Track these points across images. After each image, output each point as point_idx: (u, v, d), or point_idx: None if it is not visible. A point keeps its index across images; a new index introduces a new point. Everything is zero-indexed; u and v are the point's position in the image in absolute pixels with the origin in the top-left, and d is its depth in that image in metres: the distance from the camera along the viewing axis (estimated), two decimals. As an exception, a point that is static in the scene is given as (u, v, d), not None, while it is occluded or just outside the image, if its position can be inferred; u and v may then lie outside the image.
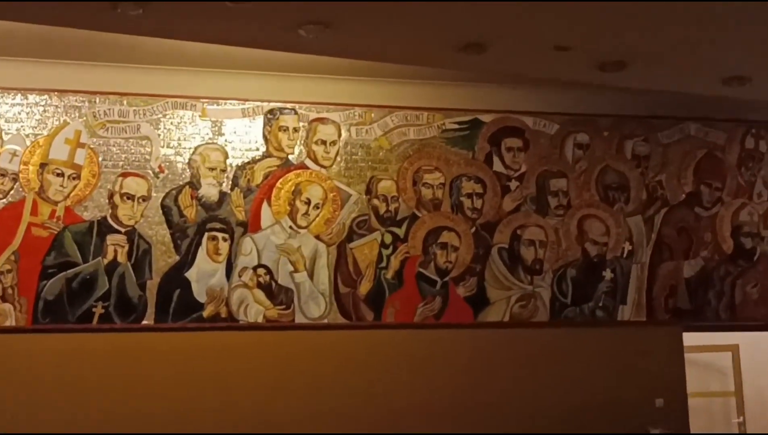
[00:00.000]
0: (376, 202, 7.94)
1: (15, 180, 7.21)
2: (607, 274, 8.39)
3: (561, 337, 8.17)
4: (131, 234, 7.35)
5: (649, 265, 8.52)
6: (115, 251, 7.30)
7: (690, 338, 8.71)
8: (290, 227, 7.68)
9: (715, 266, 8.70)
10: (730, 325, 8.88)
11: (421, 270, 7.93)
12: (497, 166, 8.27)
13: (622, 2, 5.95)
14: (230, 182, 7.62)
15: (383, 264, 7.85)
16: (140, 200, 7.42)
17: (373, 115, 8.06)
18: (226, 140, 7.68)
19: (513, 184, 8.28)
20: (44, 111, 7.35)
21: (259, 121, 7.77)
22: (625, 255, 8.47)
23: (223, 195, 7.59)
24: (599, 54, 7.10)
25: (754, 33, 6.71)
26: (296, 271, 7.63)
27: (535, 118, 8.42)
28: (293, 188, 7.75)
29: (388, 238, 7.91)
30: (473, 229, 8.11)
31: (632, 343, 8.32)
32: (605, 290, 8.36)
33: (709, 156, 8.84)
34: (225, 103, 7.72)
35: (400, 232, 7.94)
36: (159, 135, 7.55)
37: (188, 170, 7.56)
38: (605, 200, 8.51)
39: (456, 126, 8.21)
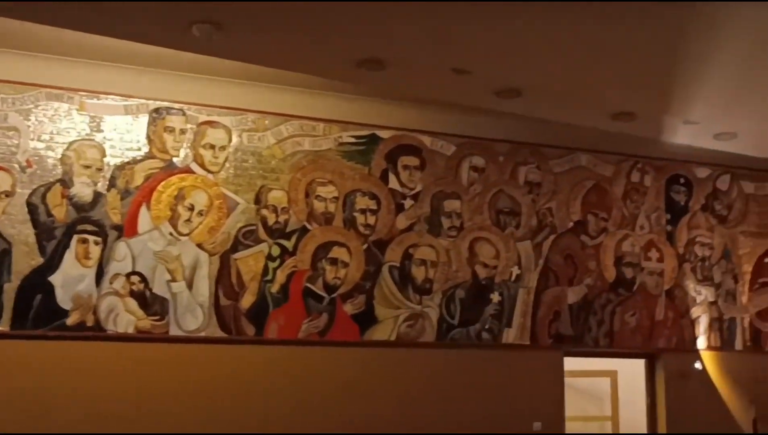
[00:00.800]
0: (265, 212, 6.67)
1: None
2: (495, 296, 7.37)
3: (447, 357, 7.15)
4: (-11, 232, 5.94)
5: (536, 290, 7.56)
6: (-33, 249, 5.87)
7: (571, 363, 7.83)
8: (170, 234, 6.34)
9: (597, 294, 7.84)
10: (608, 352, 8.02)
11: (308, 285, 6.71)
12: (393, 183, 7.14)
13: (518, 31, 5.38)
14: (107, 182, 6.23)
15: (269, 277, 6.58)
16: (2, 196, 5.96)
17: (267, 122, 6.81)
18: (104, 137, 6.28)
19: (407, 203, 7.16)
20: None
21: (143, 119, 6.41)
22: (513, 279, 7.48)
23: (97, 195, 6.19)
24: (496, 80, 6.39)
25: (640, 72, 6.18)
26: (174, 280, 6.28)
27: (433, 138, 7.35)
28: (176, 193, 6.41)
29: (276, 251, 6.64)
30: (365, 246, 6.94)
31: (515, 366, 7.39)
32: (492, 313, 7.35)
33: (597, 187, 7.98)
34: (106, 98, 6.31)
35: (289, 244, 6.70)
36: (29, 127, 6.09)
37: (60, 166, 6.14)
38: (497, 224, 7.50)
39: (353, 140, 7.04)
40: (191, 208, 6.41)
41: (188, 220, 6.39)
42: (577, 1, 4.98)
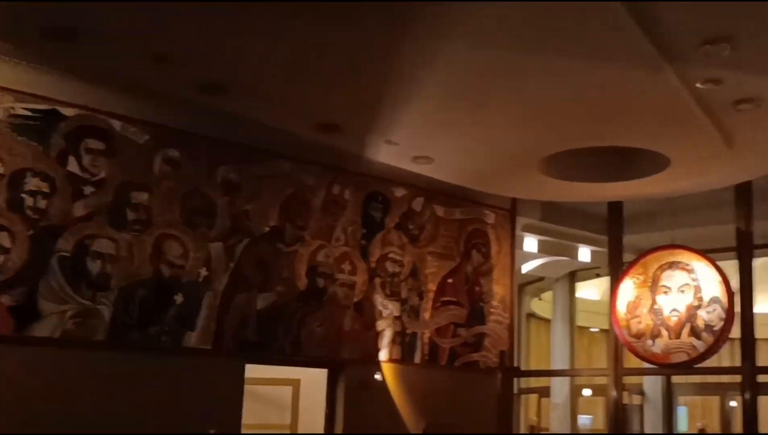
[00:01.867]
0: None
1: None
2: (179, 298, 7.13)
3: (120, 359, 6.75)
4: None
5: (224, 294, 7.42)
6: None
7: (256, 371, 7.82)
8: None
9: (287, 302, 7.87)
10: (292, 360, 8.09)
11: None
12: (72, 166, 6.62)
13: (225, 26, 5.32)
14: None
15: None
16: None
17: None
18: None
19: (88, 190, 6.67)
20: None
21: None
22: (200, 280, 7.28)
23: None
24: (200, 73, 6.28)
25: (349, 87, 6.37)
26: None
27: (125, 123, 6.91)
28: None
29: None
30: (31, 232, 6.35)
31: (195, 371, 7.19)
32: (174, 315, 7.10)
33: (297, 195, 8.03)
34: None
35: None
36: None
37: None
38: (188, 222, 7.26)
39: (28, 113, 6.41)
40: None
41: None
42: (289, 1, 4.99)
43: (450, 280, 9.22)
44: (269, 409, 8.96)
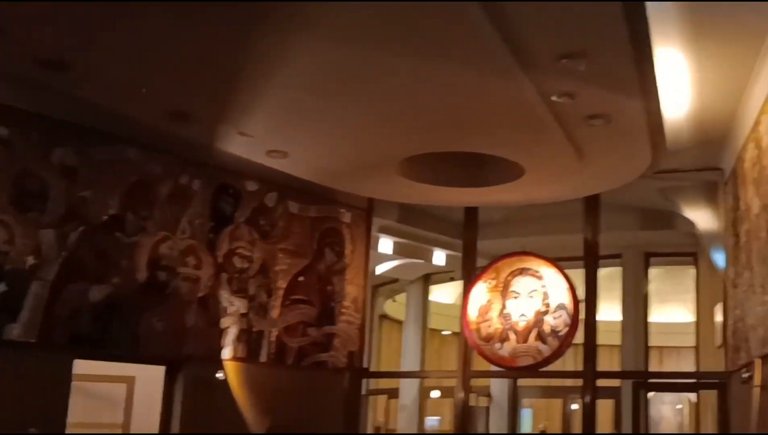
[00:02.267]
0: None
1: None
2: (2, 286, 6.63)
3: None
4: None
5: (54, 284, 6.96)
6: None
7: (88, 366, 7.38)
8: None
9: (124, 295, 7.48)
10: (129, 357, 7.72)
11: None
12: None
13: None
14: None
15: None
16: None
17: None
18: None
19: None
20: None
21: None
22: (27, 268, 6.80)
23: None
24: (36, 47, 5.78)
25: (201, 75, 6.12)
26: None
27: (-54, 95, 6.35)
28: None
29: None
30: None
31: (17, 365, 6.71)
32: (-5, 305, 6.57)
33: (141, 183, 7.66)
34: None
35: None
36: None
37: None
38: (17, 205, 6.76)
39: None
40: None
41: None
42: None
43: (301, 278, 9.07)
44: (100, 408, 8.52)
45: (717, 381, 9.06)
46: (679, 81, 6.53)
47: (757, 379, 6.50)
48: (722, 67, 6.32)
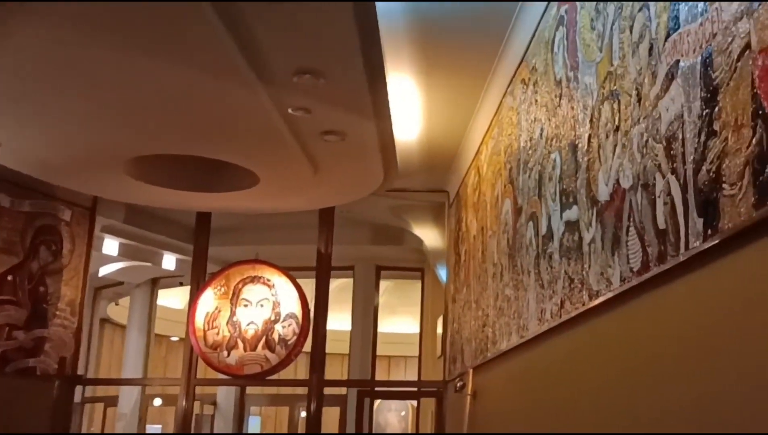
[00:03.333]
0: None
1: None
2: None
3: None
4: None
5: None
6: None
7: None
8: None
9: None
10: None
11: None
12: None
13: None
14: None
15: None
16: None
17: None
18: None
19: None
20: None
21: None
22: None
23: None
24: None
25: None
26: None
27: None
28: None
29: None
30: None
31: None
32: None
33: None
34: None
35: None
36: None
37: None
38: None
39: None
40: None
41: None
42: None
43: (9, 278, 8.54)
44: None
45: (435, 389, 9.64)
46: (411, 108, 7.03)
47: (470, 388, 7.10)
48: (450, 98, 6.90)
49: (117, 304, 14.55)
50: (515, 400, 5.58)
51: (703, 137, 2.57)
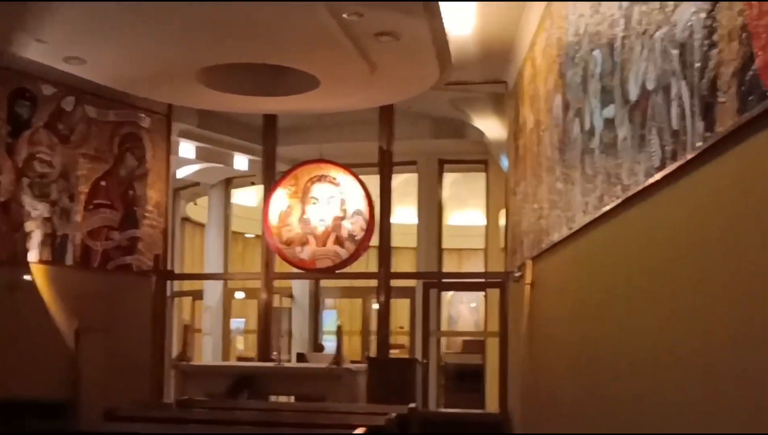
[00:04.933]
0: None
1: None
2: None
3: None
4: None
5: None
6: None
7: None
8: None
9: None
10: None
11: None
12: None
13: None
14: None
15: None
16: None
17: None
18: None
19: None
20: None
21: None
22: None
23: None
24: None
25: None
26: None
27: None
28: None
29: None
30: None
31: None
32: None
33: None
34: None
35: None
36: None
37: None
38: None
39: None
40: None
41: None
42: None
43: (103, 183, 9.26)
44: None
45: (500, 280, 9.94)
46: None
47: (528, 278, 7.43)
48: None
49: (195, 204, 15.24)
50: (567, 288, 5.92)
51: (705, 47, 2.83)
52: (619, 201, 4.13)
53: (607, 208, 4.38)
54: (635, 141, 3.81)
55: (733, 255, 2.64)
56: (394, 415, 5.21)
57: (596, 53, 4.77)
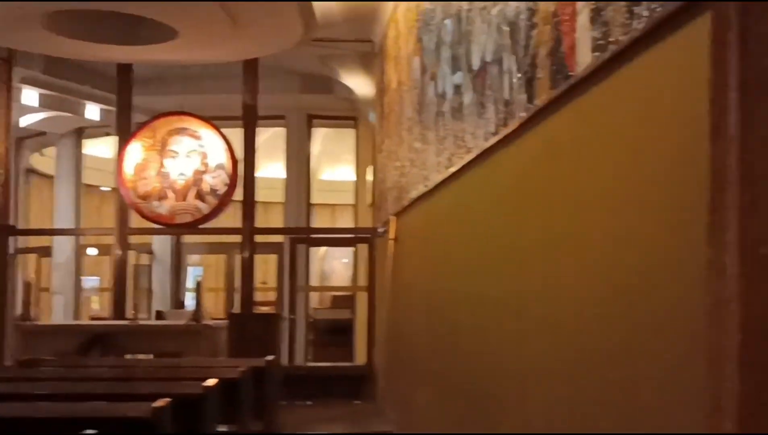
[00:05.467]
0: None
1: None
2: None
3: None
4: None
5: None
6: None
7: None
8: None
9: None
10: None
11: None
12: None
13: None
14: None
15: None
16: None
17: None
18: None
19: None
20: None
21: None
22: None
23: None
24: None
25: None
26: None
27: None
28: None
29: None
30: None
31: None
32: None
33: None
34: None
35: None
36: None
37: None
38: None
39: None
40: None
41: None
42: None
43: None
44: None
45: (368, 236, 10.41)
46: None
47: (392, 233, 7.88)
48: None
49: (42, 155, 14.87)
50: (424, 243, 6.41)
51: (528, 27, 3.26)
52: (464, 162, 4.58)
53: (454, 168, 4.82)
54: (477, 107, 4.25)
55: (546, 211, 3.13)
56: (247, 367, 5.50)
57: (447, 22, 5.19)
